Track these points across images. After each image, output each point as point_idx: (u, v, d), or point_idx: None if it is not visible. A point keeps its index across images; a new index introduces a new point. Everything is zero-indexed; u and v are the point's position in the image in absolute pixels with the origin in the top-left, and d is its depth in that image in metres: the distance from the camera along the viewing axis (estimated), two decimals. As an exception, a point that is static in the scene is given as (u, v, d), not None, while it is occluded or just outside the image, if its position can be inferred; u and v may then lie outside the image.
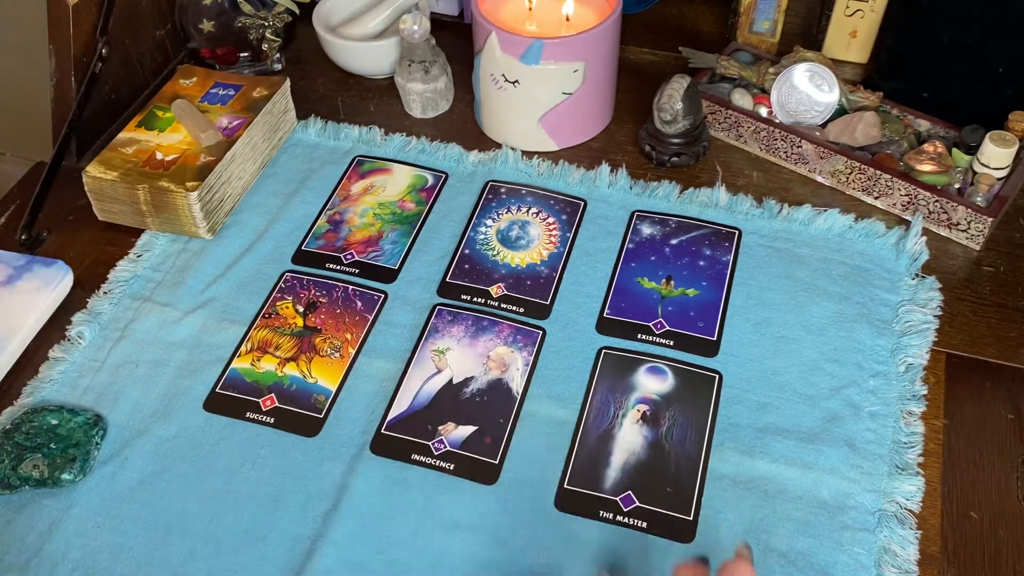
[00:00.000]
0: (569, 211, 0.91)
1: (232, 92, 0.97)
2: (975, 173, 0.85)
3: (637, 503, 0.70)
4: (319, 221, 0.92)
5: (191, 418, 0.77)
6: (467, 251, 0.88)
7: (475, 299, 0.84)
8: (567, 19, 0.97)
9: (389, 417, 0.76)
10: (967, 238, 0.87)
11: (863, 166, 0.89)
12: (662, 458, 0.72)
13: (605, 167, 0.95)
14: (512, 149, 0.97)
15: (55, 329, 0.84)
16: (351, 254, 0.89)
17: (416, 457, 0.73)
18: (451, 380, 0.78)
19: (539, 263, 0.87)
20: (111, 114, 1.04)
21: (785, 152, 0.94)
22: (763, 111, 0.95)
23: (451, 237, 0.90)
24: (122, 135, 0.93)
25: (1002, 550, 0.67)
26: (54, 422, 0.75)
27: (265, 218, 0.93)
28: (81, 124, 0.98)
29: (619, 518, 0.69)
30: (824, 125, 0.93)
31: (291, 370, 0.80)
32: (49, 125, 0.99)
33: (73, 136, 0.97)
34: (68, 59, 0.96)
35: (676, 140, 0.94)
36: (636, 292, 0.84)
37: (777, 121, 0.94)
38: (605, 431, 0.74)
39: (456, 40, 1.11)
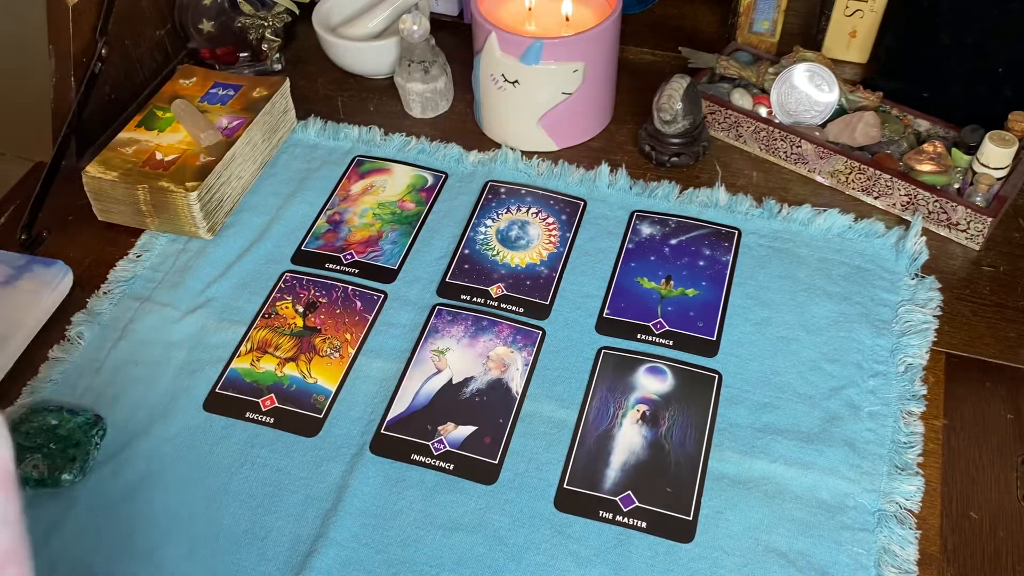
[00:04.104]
0: (569, 211, 0.91)
1: (232, 92, 0.97)
2: (975, 173, 0.85)
3: (637, 503, 0.70)
4: (319, 221, 0.92)
5: (191, 418, 0.77)
6: (467, 251, 0.88)
7: (475, 299, 0.84)
8: (567, 19, 0.97)
9: (389, 417, 0.76)
10: (967, 238, 0.87)
11: (863, 166, 0.89)
12: (662, 458, 0.72)
13: (605, 167, 0.95)
14: (512, 149, 0.97)
15: (55, 329, 0.84)
16: (351, 254, 0.89)
17: (416, 457, 0.73)
18: (451, 380, 0.78)
19: (539, 263, 0.87)
20: (111, 114, 1.04)
21: (785, 152, 0.94)
22: (763, 111, 0.95)
23: (451, 237, 0.90)
24: (122, 135, 0.93)
25: (1002, 550, 0.67)
26: (54, 422, 0.75)
27: (265, 218, 0.93)
28: (81, 124, 0.98)
29: (619, 518, 0.69)
30: (824, 125, 0.93)
31: (291, 370, 0.80)
32: (49, 125, 0.99)
33: (73, 136, 0.97)
34: (68, 59, 0.96)
35: (676, 140, 0.94)
36: (636, 292, 0.84)
37: (777, 121, 0.94)
38: (605, 431, 0.74)
39: (456, 40, 1.11)
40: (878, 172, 0.88)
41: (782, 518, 0.69)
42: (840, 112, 0.93)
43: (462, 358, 0.79)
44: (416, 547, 0.68)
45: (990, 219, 0.84)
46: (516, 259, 0.87)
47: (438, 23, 1.13)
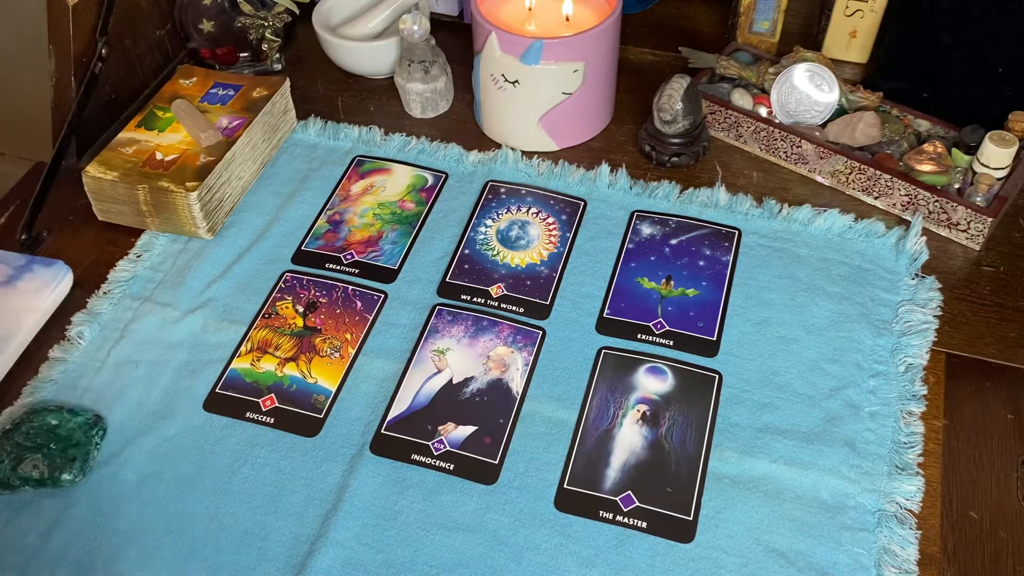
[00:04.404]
0: (569, 211, 0.91)
1: (232, 92, 0.97)
2: (975, 173, 0.85)
3: (637, 503, 0.70)
4: (319, 221, 0.92)
5: (191, 418, 0.77)
6: (467, 251, 0.88)
7: (475, 299, 0.84)
8: (567, 19, 0.97)
9: (389, 417, 0.76)
10: (967, 238, 0.87)
11: (863, 166, 0.89)
12: (662, 458, 0.72)
13: (605, 167, 0.95)
14: (512, 149, 0.97)
15: (55, 329, 0.84)
16: (351, 254, 0.89)
17: (416, 457, 0.73)
18: (451, 380, 0.78)
19: (539, 263, 0.87)
20: (111, 114, 1.04)
21: (785, 152, 0.94)
22: (763, 111, 0.95)
23: (451, 237, 0.90)
24: (122, 135, 0.93)
25: (1002, 550, 0.67)
26: (54, 422, 0.75)
27: (265, 218, 0.93)
28: (81, 124, 0.98)
29: (619, 518, 0.69)
30: (824, 125, 0.93)
31: (291, 370, 0.80)
32: (49, 125, 0.99)
33: (73, 136, 0.97)
34: (68, 59, 0.96)
35: (676, 140, 0.94)
36: (636, 292, 0.84)
37: (777, 121, 0.94)
38: (605, 431, 0.74)
39: (456, 40, 1.11)
40: (878, 172, 0.88)
41: (782, 518, 0.69)
42: (840, 112, 0.93)
43: (462, 358, 0.79)
44: (416, 547, 0.68)
45: (990, 219, 0.84)
46: (516, 259, 0.87)
47: (438, 23, 1.13)
